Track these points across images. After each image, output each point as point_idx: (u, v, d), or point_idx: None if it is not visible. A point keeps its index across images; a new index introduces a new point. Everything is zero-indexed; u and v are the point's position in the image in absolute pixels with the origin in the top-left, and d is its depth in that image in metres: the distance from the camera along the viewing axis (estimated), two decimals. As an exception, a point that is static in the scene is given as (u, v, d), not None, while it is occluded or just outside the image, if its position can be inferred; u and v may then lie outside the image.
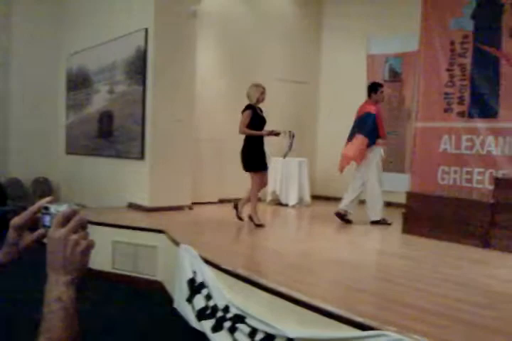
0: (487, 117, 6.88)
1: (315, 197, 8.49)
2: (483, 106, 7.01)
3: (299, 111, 8.95)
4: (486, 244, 5.06)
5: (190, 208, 7.10)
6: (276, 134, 6.00)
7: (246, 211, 6.08)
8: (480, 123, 7.00)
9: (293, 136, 6.24)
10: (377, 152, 6.28)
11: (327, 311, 3.00)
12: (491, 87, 6.90)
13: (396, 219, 6.03)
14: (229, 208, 6.43)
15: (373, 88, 6.33)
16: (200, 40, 7.48)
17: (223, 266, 3.99)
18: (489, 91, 6.95)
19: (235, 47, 8.12)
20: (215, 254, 4.37)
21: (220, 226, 6.09)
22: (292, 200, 7.87)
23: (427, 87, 7.66)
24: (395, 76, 8.36)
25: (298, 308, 3.22)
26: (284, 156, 6.44)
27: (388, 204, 7.88)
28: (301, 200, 7.96)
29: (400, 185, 7.59)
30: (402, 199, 6.08)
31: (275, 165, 8.04)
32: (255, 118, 5.87)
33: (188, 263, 4.39)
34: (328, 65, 9.07)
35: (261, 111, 6.02)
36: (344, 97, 8.70)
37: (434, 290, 3.63)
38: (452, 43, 7.43)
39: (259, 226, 5.87)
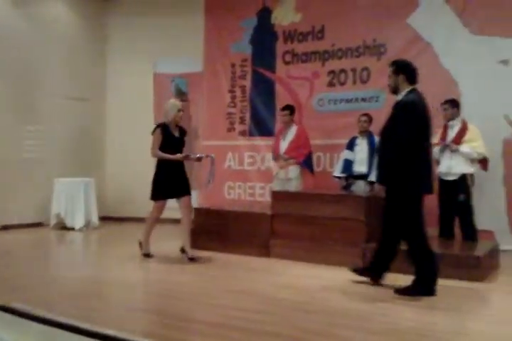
0: (265, 135, 7.38)
1: (105, 219, 8.20)
2: (261, 125, 7.53)
3: (84, 130, 8.58)
4: (268, 252, 5.39)
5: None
6: (198, 159, 5.36)
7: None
8: (259, 141, 7.50)
9: (212, 161, 5.44)
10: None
11: (109, 336, 2.86)
12: (268, 108, 7.46)
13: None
14: (13, 235, 5.84)
15: None
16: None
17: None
18: (266, 112, 7.49)
19: (12, 60, 7.50)
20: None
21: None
22: (78, 223, 7.46)
23: (211, 107, 7.99)
24: (181, 95, 8.54)
25: (77, 337, 3.01)
26: (207, 185, 5.68)
27: (177, 221, 8.00)
28: (88, 223, 7.60)
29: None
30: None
31: (59, 185, 7.58)
32: (168, 139, 5.20)
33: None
34: (114, 83, 8.89)
35: (181, 131, 5.37)
36: (132, 116, 8.62)
37: (217, 302, 3.72)
38: (233, 66, 7.87)
39: (146, 256, 5.37)
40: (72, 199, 7.51)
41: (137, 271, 4.99)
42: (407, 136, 3.86)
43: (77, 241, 6.97)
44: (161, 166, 5.24)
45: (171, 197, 5.30)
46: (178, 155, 5.18)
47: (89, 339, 2.94)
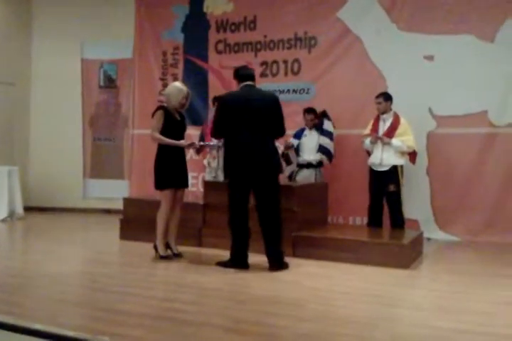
0: (197, 125, 7.32)
1: (30, 209, 7.88)
2: (193, 114, 7.44)
3: (7, 116, 8.18)
4: (200, 242, 5.39)
5: None
6: (201, 147, 5.04)
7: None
8: (191, 130, 7.41)
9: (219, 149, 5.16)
10: None
11: (34, 330, 2.76)
12: (200, 97, 7.39)
13: (116, 225, 5.94)
14: None
15: None
16: None
17: None
18: (199, 101, 7.41)
19: None
20: None
21: None
22: (2, 214, 7.13)
23: (142, 95, 7.83)
24: (110, 82, 8.31)
25: (3, 333, 2.89)
26: (214, 176, 5.55)
27: (108, 212, 7.85)
28: (12, 213, 7.28)
29: (120, 191, 7.56)
30: (121, 205, 6.05)
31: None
32: (170, 123, 4.76)
33: None
34: (40, 68, 8.50)
35: (181, 116, 4.93)
36: (59, 102, 8.32)
37: (147, 294, 3.68)
38: (164, 54, 7.74)
39: (164, 258, 4.77)
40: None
41: (64, 263, 4.83)
42: (215, 125, 4.54)
43: (1, 232, 6.66)
44: (164, 151, 4.79)
45: (177, 187, 4.85)
46: (182, 142, 4.82)
47: (15, 335, 2.85)
